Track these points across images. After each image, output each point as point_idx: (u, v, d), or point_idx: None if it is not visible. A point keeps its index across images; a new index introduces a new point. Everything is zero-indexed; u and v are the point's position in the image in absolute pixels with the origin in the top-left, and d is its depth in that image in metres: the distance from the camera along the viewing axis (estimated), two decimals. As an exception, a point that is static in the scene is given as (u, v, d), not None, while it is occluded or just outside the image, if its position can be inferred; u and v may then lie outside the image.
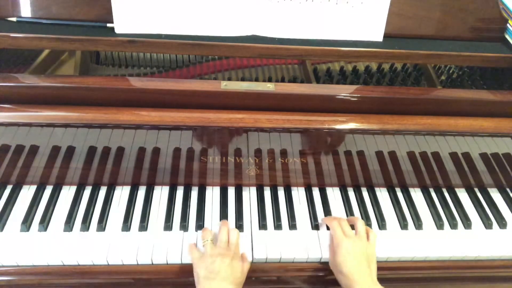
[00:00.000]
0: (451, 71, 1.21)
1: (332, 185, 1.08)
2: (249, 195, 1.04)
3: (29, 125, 0.86)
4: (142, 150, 0.94)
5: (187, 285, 0.88)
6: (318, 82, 1.14)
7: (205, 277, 0.82)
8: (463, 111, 0.93)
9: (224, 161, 0.99)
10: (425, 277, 0.98)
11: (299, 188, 1.07)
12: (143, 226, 0.95)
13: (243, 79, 1.14)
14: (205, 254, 0.86)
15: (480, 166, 1.05)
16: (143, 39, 0.91)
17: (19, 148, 0.92)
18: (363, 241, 0.89)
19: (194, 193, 1.04)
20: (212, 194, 1.04)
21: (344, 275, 0.84)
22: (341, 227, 0.91)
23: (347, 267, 0.84)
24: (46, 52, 1.08)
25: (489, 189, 1.12)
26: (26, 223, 0.93)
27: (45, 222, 0.94)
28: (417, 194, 1.09)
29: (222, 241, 0.88)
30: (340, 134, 0.93)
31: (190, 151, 0.96)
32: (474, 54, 0.97)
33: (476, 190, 1.11)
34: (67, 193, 1.01)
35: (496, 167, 1.05)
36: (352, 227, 0.93)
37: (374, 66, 1.20)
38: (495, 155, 1.01)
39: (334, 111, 0.91)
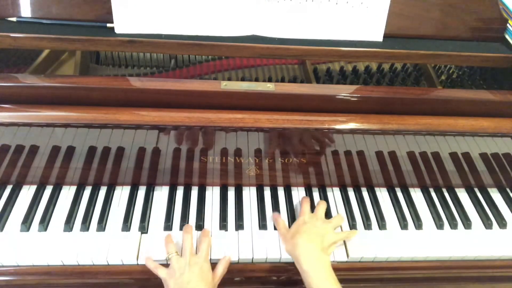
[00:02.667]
0: (451, 71, 1.21)
1: (332, 185, 1.08)
2: (249, 195, 1.04)
3: (29, 125, 0.86)
4: (142, 150, 0.94)
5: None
6: (318, 82, 1.14)
7: None
8: (463, 111, 0.93)
9: (224, 161, 0.99)
10: (425, 277, 0.98)
11: (299, 188, 1.07)
12: (143, 226, 0.95)
13: (243, 79, 1.14)
14: (171, 268, 0.84)
15: (480, 166, 1.05)
16: (143, 39, 0.91)
17: (19, 148, 0.92)
18: (327, 225, 0.94)
19: (194, 193, 1.04)
20: (212, 194, 1.04)
21: (291, 236, 0.89)
22: (316, 208, 0.98)
23: (298, 231, 0.89)
24: (46, 52, 1.08)
25: (489, 189, 1.12)
26: (26, 223, 0.93)
27: (45, 222, 0.94)
28: (417, 194, 1.09)
29: (187, 250, 0.87)
30: (340, 134, 0.93)
31: (190, 151, 0.96)
32: (474, 54, 0.97)
33: (476, 190, 1.11)
34: (67, 193, 1.01)
35: (496, 167, 1.05)
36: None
37: (374, 66, 1.20)
38: (495, 155, 1.01)
39: (334, 111, 0.90)
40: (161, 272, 0.85)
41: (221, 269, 0.87)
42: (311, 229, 0.90)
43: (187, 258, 0.85)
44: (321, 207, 0.99)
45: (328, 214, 1.01)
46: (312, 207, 1.02)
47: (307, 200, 1.01)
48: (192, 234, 0.91)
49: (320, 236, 0.89)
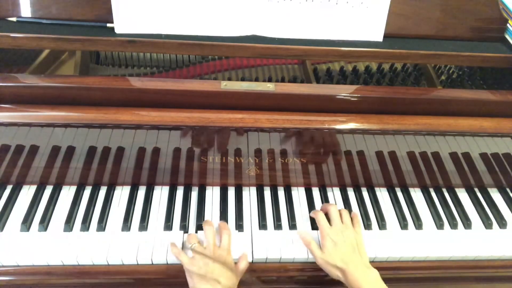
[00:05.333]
0: (451, 71, 1.21)
1: (332, 185, 1.08)
2: (249, 195, 1.04)
3: (29, 125, 0.86)
4: (142, 150, 0.94)
5: (187, 285, 0.88)
6: (318, 82, 1.14)
7: (200, 279, 0.81)
8: (463, 111, 0.93)
9: (224, 161, 0.99)
10: (425, 277, 0.98)
11: (299, 188, 1.07)
12: (143, 226, 0.95)
13: (243, 79, 1.14)
14: (195, 257, 0.85)
15: (480, 166, 1.05)
16: (143, 39, 0.91)
17: (19, 148, 0.92)
18: (349, 230, 0.91)
19: (194, 193, 1.04)
20: (212, 194, 1.04)
21: (334, 265, 0.85)
22: (330, 216, 0.94)
23: (337, 257, 0.86)
24: (46, 52, 1.08)
25: (489, 189, 1.12)
26: (26, 223, 0.93)
27: (45, 222, 0.94)
28: (417, 194, 1.09)
29: (210, 242, 0.87)
30: (340, 134, 0.93)
31: (190, 151, 0.96)
32: (474, 54, 0.97)
33: (476, 190, 1.11)
34: (67, 193, 1.01)
35: (496, 167, 1.05)
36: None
37: (374, 66, 1.20)
38: (495, 155, 1.01)
39: (334, 111, 0.91)
40: (184, 257, 0.86)
41: (243, 264, 0.88)
42: (344, 250, 0.87)
43: (211, 249, 0.86)
44: (334, 213, 0.94)
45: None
46: (312, 207, 1.02)
47: (321, 214, 0.94)
48: (214, 227, 0.92)
49: (356, 250, 0.87)
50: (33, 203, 0.98)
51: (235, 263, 0.88)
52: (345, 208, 1.03)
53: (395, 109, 0.92)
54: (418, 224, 1.00)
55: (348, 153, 0.98)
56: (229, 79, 1.14)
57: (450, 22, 1.00)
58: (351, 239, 0.89)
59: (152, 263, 0.90)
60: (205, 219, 0.98)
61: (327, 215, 0.95)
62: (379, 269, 0.88)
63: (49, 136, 0.89)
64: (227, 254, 0.87)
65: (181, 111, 0.87)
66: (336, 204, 1.04)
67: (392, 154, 0.99)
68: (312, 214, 0.98)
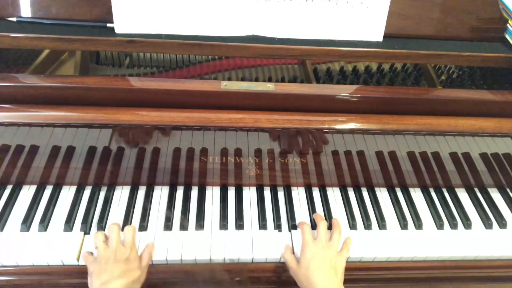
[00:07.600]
0: (451, 71, 1.21)
1: (332, 185, 1.08)
2: (249, 195, 1.04)
3: (29, 125, 0.86)
4: (142, 150, 0.94)
5: (188, 284, 0.88)
6: (318, 82, 1.14)
7: (98, 278, 0.80)
8: (463, 111, 0.93)
9: (224, 161, 0.99)
10: (425, 277, 0.98)
11: (299, 188, 1.07)
12: (143, 226, 0.95)
13: (243, 79, 1.14)
14: (98, 256, 0.84)
15: (480, 166, 1.05)
16: (143, 39, 0.91)
17: (19, 148, 0.92)
18: (333, 249, 0.89)
19: (194, 193, 1.03)
20: (212, 194, 1.04)
21: (305, 277, 0.83)
22: (318, 231, 0.92)
23: (310, 269, 0.84)
24: (46, 52, 1.08)
25: (489, 189, 1.12)
26: (26, 223, 0.93)
27: (45, 222, 0.94)
28: (417, 194, 1.09)
29: (113, 240, 0.86)
30: (340, 134, 0.93)
31: (190, 151, 0.96)
32: (474, 54, 0.97)
33: (476, 190, 1.11)
34: (67, 193, 1.01)
35: (496, 167, 1.05)
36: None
37: (374, 66, 1.20)
38: (495, 155, 1.01)
39: (334, 111, 0.90)
40: (88, 258, 0.85)
41: (146, 259, 0.87)
42: (321, 264, 0.85)
43: (113, 248, 0.85)
44: (322, 229, 0.92)
45: (329, 214, 1.01)
46: (312, 207, 1.02)
47: (307, 226, 0.93)
48: (119, 226, 0.91)
49: (333, 268, 0.85)
50: (33, 203, 0.98)
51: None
52: (345, 208, 1.03)
53: (395, 109, 0.92)
54: (418, 224, 1.00)
55: (348, 153, 0.98)
56: (229, 79, 1.14)
57: (450, 22, 1.00)
58: (330, 257, 0.87)
59: (152, 263, 0.90)
60: (205, 219, 0.98)
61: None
62: (379, 269, 0.88)
63: (49, 136, 0.89)
64: (131, 250, 0.86)
65: (181, 111, 0.87)
66: (336, 204, 1.04)
67: (392, 154, 0.99)
68: (299, 225, 0.96)
